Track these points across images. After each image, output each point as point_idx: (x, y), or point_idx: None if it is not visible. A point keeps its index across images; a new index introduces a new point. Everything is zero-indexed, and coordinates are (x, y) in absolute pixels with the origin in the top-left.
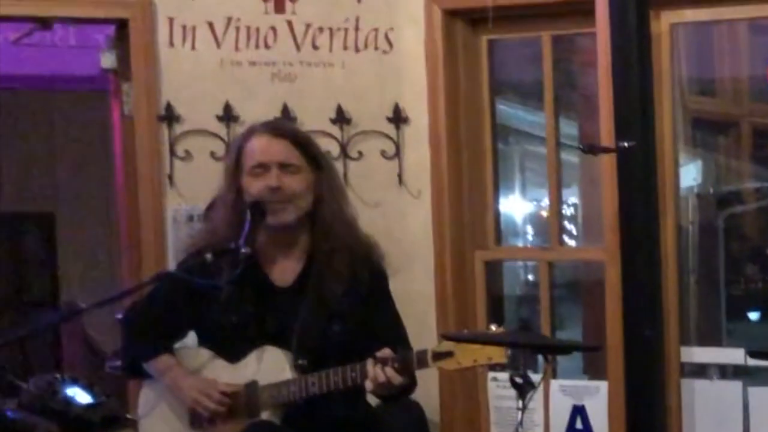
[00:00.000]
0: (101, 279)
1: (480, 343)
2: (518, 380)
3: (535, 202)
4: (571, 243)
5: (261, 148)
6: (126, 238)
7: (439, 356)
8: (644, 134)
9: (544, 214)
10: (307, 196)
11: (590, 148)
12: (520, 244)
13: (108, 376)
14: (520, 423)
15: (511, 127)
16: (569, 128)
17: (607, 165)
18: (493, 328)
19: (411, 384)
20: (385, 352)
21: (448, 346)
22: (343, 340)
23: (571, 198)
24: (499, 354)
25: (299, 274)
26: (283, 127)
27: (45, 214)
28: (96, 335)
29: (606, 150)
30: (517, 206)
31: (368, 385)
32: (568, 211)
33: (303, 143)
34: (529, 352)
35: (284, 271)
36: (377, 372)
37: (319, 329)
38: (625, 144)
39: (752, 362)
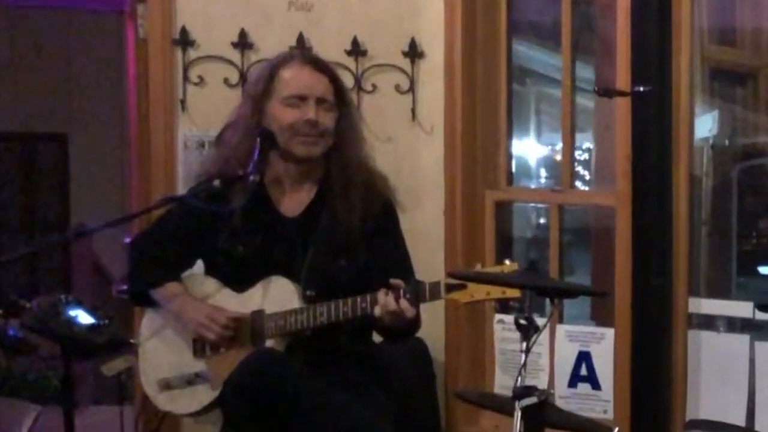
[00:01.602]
0: (113, 202)
1: (485, 284)
2: (523, 322)
3: (549, 146)
4: (584, 188)
5: (303, 79)
6: (137, 163)
7: (452, 288)
8: (660, 80)
9: (558, 157)
10: (334, 132)
11: (605, 91)
12: (532, 186)
13: (115, 300)
14: (524, 365)
15: (526, 68)
16: (585, 71)
17: (621, 109)
18: (507, 262)
19: (416, 323)
20: (398, 281)
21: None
22: (352, 274)
23: (585, 143)
24: (513, 289)
25: (308, 205)
26: (322, 61)
27: (58, 135)
28: (104, 259)
29: (621, 94)
30: (530, 148)
31: (377, 311)
32: (582, 156)
33: (337, 80)
34: (536, 294)
35: (293, 201)
36: (389, 300)
37: (328, 262)
38: (641, 89)
39: (760, 316)
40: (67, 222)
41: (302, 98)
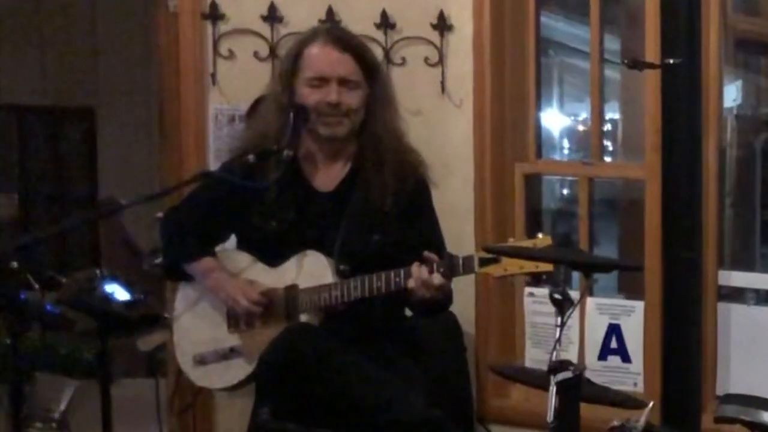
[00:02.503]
0: (140, 176)
1: (520, 258)
2: (557, 297)
3: (572, 117)
4: (607, 159)
5: (324, 60)
6: (167, 137)
7: (485, 261)
8: (690, 52)
9: (581, 128)
10: (361, 110)
11: (634, 63)
12: (556, 158)
13: (145, 275)
14: (558, 340)
15: (550, 39)
16: (609, 42)
17: (650, 82)
18: (540, 236)
19: (448, 298)
20: (431, 254)
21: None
22: (385, 249)
23: (609, 114)
24: (546, 263)
25: (342, 180)
26: (347, 39)
27: (86, 109)
28: (133, 233)
29: (651, 66)
30: (554, 120)
31: (411, 284)
32: (606, 127)
33: (364, 57)
34: (571, 268)
35: (327, 177)
36: (422, 273)
37: (361, 237)
38: (671, 61)
39: None
40: (95, 195)
41: (324, 79)
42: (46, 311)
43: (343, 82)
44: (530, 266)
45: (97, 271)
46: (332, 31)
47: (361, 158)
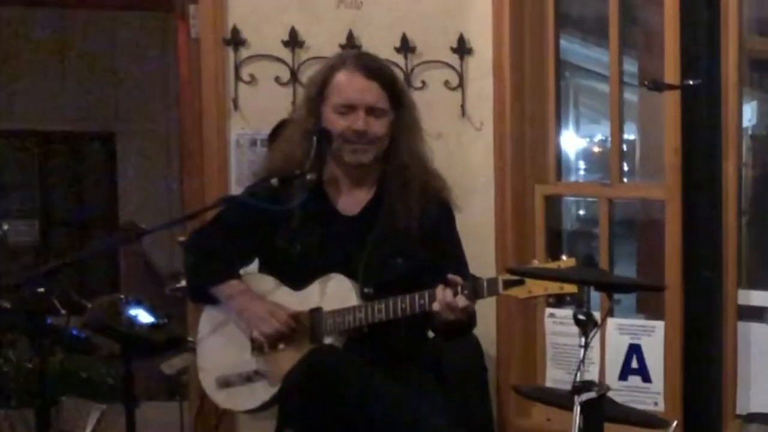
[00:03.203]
0: (159, 200)
1: (544, 279)
2: (581, 317)
3: (588, 139)
4: (625, 180)
5: (352, 87)
6: (189, 162)
7: (510, 284)
8: (710, 73)
9: (597, 150)
10: (387, 137)
11: (655, 84)
12: (573, 179)
13: (167, 299)
14: (582, 360)
15: (567, 62)
16: (626, 65)
17: (670, 102)
18: (564, 257)
19: (472, 320)
20: (455, 277)
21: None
22: (409, 272)
23: (625, 135)
24: (570, 285)
25: (366, 204)
26: (375, 66)
27: (105, 134)
28: (154, 257)
29: (671, 87)
30: (571, 142)
31: (435, 307)
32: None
33: (391, 84)
34: (595, 289)
35: (351, 200)
36: (447, 296)
37: (386, 260)
38: (690, 82)
39: None
40: (115, 220)
41: (351, 107)
42: (72, 335)
43: (370, 110)
44: (555, 288)
45: (122, 296)
46: (361, 57)
47: (386, 183)
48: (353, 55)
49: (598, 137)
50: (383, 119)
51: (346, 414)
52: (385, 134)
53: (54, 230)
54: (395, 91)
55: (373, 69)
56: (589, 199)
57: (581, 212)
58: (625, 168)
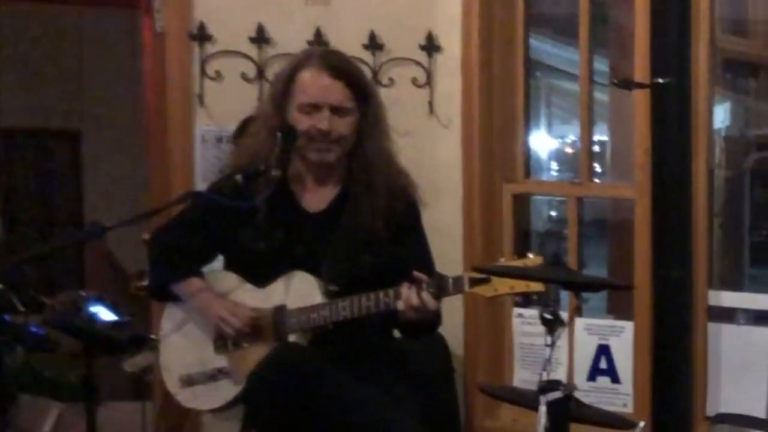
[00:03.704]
0: (127, 198)
1: (511, 277)
2: (548, 317)
3: (559, 139)
4: (595, 180)
5: (317, 87)
6: (154, 158)
7: (476, 282)
8: (680, 72)
9: (568, 150)
10: (352, 136)
11: (624, 83)
12: (544, 178)
13: (131, 297)
14: (549, 360)
15: (538, 61)
16: (597, 64)
17: (640, 102)
18: (531, 256)
19: (438, 318)
20: (421, 275)
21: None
22: (374, 270)
23: (596, 135)
24: (537, 283)
25: (331, 201)
26: (341, 65)
27: (71, 132)
28: (119, 255)
29: (641, 86)
30: (541, 141)
31: (400, 305)
32: (593, 148)
33: (357, 83)
34: (562, 288)
35: (316, 197)
36: (411, 294)
37: (350, 257)
38: (660, 80)
39: None
40: (81, 218)
41: (316, 107)
42: (31, 333)
43: (335, 110)
44: (521, 286)
45: (83, 293)
46: (326, 55)
47: (351, 180)
48: (319, 53)
49: (570, 137)
50: (348, 118)
51: (311, 413)
52: (350, 133)
53: (18, 229)
54: (361, 89)
55: (339, 68)
56: (561, 200)
57: (552, 212)
58: (598, 168)
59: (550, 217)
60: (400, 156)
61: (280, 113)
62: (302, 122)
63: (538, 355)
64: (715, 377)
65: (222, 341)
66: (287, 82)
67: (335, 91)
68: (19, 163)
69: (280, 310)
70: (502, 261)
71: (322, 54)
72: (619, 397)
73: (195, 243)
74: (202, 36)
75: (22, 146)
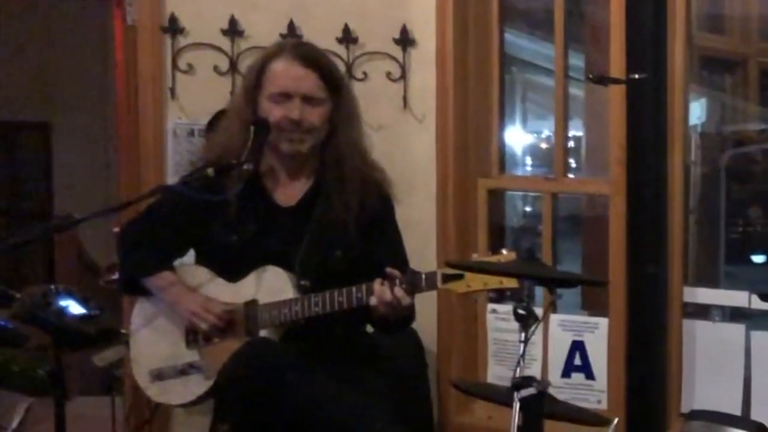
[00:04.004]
0: (96, 191)
1: (484, 273)
2: (521, 312)
3: (535, 134)
4: (571, 176)
5: (288, 76)
6: (125, 151)
7: (449, 278)
8: (656, 67)
9: (544, 145)
10: (324, 127)
11: (600, 78)
12: (519, 174)
13: (102, 290)
14: (522, 356)
15: (513, 56)
16: (573, 59)
17: (616, 97)
18: (504, 251)
19: (411, 314)
20: (394, 270)
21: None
22: (347, 265)
23: (572, 131)
24: (510, 279)
25: (304, 195)
26: (312, 55)
27: (41, 124)
28: (89, 249)
29: (616, 81)
30: (517, 137)
31: (373, 300)
32: (569, 144)
33: (328, 73)
34: (535, 283)
35: (289, 191)
36: (384, 290)
37: (323, 252)
38: (636, 76)
39: (755, 305)
40: (50, 211)
41: (287, 96)
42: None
43: (306, 99)
44: (494, 282)
45: (52, 286)
46: (298, 46)
47: (324, 174)
48: (291, 44)
49: (545, 132)
50: (320, 108)
51: (282, 408)
52: (322, 124)
53: None
54: (333, 81)
55: (310, 57)
56: (536, 195)
57: (528, 208)
58: (573, 164)
59: (524, 212)
60: (375, 150)
61: (252, 106)
62: (273, 112)
63: (512, 351)
64: (690, 374)
65: (193, 336)
66: (258, 73)
67: (307, 81)
68: None
69: (252, 304)
70: (475, 256)
71: (294, 45)
72: (594, 393)
73: (165, 237)
74: (173, 28)
75: None
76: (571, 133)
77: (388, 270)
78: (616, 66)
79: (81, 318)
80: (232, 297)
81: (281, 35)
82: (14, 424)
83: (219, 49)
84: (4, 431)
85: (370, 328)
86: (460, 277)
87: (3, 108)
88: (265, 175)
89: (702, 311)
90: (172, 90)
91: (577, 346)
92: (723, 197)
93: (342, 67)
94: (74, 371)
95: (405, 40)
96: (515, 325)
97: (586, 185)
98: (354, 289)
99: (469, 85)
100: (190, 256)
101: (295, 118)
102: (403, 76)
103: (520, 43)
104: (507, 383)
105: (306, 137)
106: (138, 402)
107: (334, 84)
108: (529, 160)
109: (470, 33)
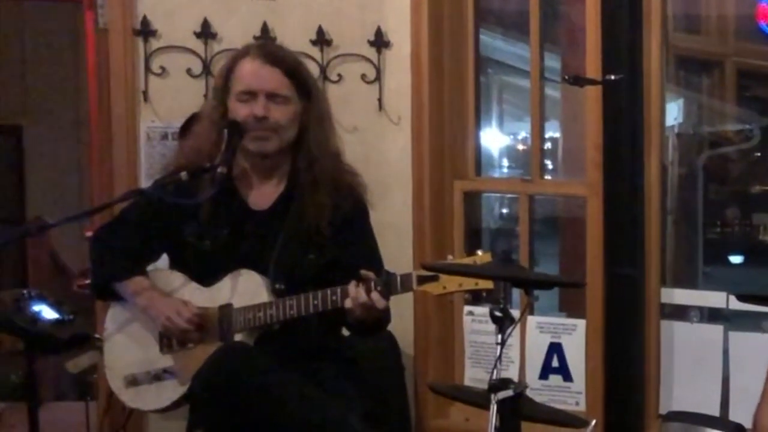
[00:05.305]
0: (69, 195)
1: (459, 275)
2: (498, 314)
3: (511, 136)
4: (547, 177)
5: (251, 74)
6: (97, 155)
7: (424, 279)
8: (632, 68)
9: (520, 147)
10: (293, 126)
11: (576, 79)
12: (495, 176)
13: (75, 295)
14: (499, 358)
15: (489, 58)
16: (549, 61)
17: (592, 98)
18: (480, 253)
19: (386, 316)
20: (369, 273)
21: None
22: (321, 268)
23: (548, 133)
24: (486, 281)
25: (277, 199)
26: (277, 53)
27: (13, 127)
28: (62, 253)
29: (592, 82)
30: (493, 139)
31: (348, 303)
32: (545, 145)
33: (295, 72)
34: (512, 285)
35: (262, 195)
36: (359, 292)
37: (297, 255)
38: (612, 77)
39: (733, 306)
40: (22, 215)
41: (252, 93)
42: None
43: (271, 96)
44: (470, 283)
45: (24, 291)
46: (264, 46)
47: (296, 177)
48: (257, 44)
49: (522, 134)
50: (286, 107)
51: (258, 413)
52: (288, 122)
53: None
54: (300, 80)
55: (275, 55)
56: (513, 197)
57: (504, 210)
58: (549, 165)
59: (501, 214)
60: (350, 153)
61: (222, 108)
62: (240, 111)
63: (489, 353)
64: (668, 375)
65: (167, 341)
66: (227, 75)
67: (271, 78)
68: None
69: (226, 308)
70: (451, 258)
71: (260, 45)
72: (572, 395)
73: (138, 241)
74: (146, 31)
75: None
76: (547, 135)
77: (363, 272)
78: (592, 67)
79: (54, 323)
80: (207, 301)
81: (255, 37)
82: None
83: (192, 51)
84: None
85: (345, 331)
86: (435, 278)
87: None
88: (238, 179)
89: (680, 312)
90: (145, 93)
91: (555, 348)
92: (700, 198)
93: (316, 70)
94: (48, 376)
95: (380, 42)
96: (492, 327)
97: (562, 187)
98: (329, 291)
99: (444, 87)
100: (164, 260)
101: (259, 114)
102: (378, 78)
103: (495, 44)
104: (484, 385)
105: (272, 135)
106: (112, 407)
107: (301, 82)
108: (505, 162)
109: (445, 34)
